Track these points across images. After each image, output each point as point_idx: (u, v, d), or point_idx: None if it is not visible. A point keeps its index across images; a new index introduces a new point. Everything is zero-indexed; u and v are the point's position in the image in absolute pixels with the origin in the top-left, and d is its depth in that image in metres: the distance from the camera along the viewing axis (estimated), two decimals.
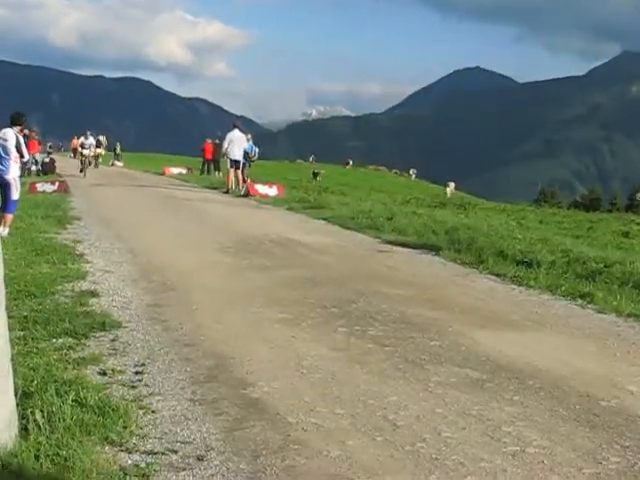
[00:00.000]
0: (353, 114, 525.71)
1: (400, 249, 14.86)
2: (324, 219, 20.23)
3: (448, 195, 46.73)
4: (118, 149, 65.87)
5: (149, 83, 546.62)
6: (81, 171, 38.45)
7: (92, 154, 42.75)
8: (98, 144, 50.01)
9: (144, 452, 4.80)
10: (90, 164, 41.64)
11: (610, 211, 43.16)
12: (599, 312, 9.60)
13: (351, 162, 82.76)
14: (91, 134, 42.75)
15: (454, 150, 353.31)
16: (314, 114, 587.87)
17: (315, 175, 51.50)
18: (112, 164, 57.73)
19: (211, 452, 4.83)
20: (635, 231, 19.41)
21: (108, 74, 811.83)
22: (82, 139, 42.21)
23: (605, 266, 11.60)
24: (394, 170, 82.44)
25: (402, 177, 75.95)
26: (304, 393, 5.97)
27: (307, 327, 8.16)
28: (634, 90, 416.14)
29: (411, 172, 78.82)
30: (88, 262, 11.60)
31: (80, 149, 42.30)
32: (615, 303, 9.81)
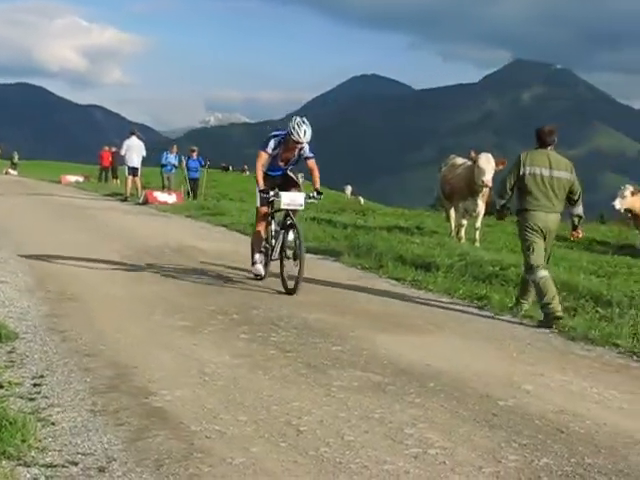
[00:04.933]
0: (252, 121, 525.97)
1: None
2: (224, 226, 20.18)
3: (362, 202, 46.77)
4: (16, 158, 64.12)
5: (42, 89, 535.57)
6: None
7: None
8: None
9: (43, 465, 4.70)
10: None
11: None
12: (496, 314, 9.83)
13: (246, 167, 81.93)
14: None
15: (351, 156, 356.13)
16: (212, 121, 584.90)
17: None
18: (6, 172, 56.31)
19: (113, 463, 4.76)
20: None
21: None
22: None
23: (501, 269, 11.86)
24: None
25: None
26: (207, 400, 5.94)
27: (209, 334, 8.12)
28: (525, 97, 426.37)
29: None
30: None
31: None
32: (511, 305, 10.04)
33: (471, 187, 16.37)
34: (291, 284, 10.49)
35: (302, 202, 10.86)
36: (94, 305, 9.46)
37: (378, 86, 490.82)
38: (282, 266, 10.86)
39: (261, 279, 11.31)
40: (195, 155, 31.83)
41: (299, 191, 11.20)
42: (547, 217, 9.72)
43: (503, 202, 10.17)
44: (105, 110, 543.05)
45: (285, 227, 10.91)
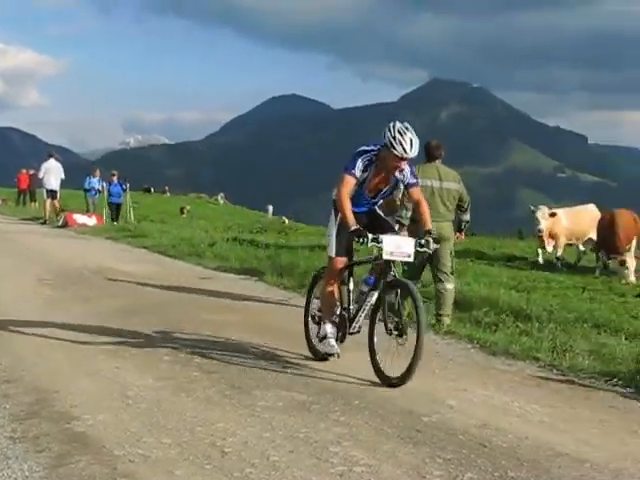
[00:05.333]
0: (172, 142, 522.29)
1: (223, 275, 14.87)
2: (145, 247, 20.05)
3: (286, 222, 46.68)
4: None
5: None
6: None
7: None
8: None
9: None
10: None
11: None
12: None
13: (167, 189, 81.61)
14: None
15: (271, 176, 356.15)
16: (132, 143, 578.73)
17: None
18: None
19: None
20: None
21: None
22: None
23: (422, 286, 11.94)
24: (214, 197, 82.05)
25: (226, 205, 75.09)
26: (130, 424, 5.86)
27: (131, 357, 8.03)
28: (443, 116, 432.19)
29: (219, 197, 77.98)
30: None
31: None
32: (433, 322, 10.12)
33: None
34: (393, 371, 7.13)
35: (411, 252, 7.42)
36: (13, 330, 9.27)
37: (298, 106, 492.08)
38: (372, 343, 7.39)
39: (326, 359, 8.02)
40: (116, 179, 31.40)
41: (397, 234, 7.98)
42: (438, 226, 9.97)
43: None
44: (21, 132, 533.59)
45: (385, 287, 7.44)
